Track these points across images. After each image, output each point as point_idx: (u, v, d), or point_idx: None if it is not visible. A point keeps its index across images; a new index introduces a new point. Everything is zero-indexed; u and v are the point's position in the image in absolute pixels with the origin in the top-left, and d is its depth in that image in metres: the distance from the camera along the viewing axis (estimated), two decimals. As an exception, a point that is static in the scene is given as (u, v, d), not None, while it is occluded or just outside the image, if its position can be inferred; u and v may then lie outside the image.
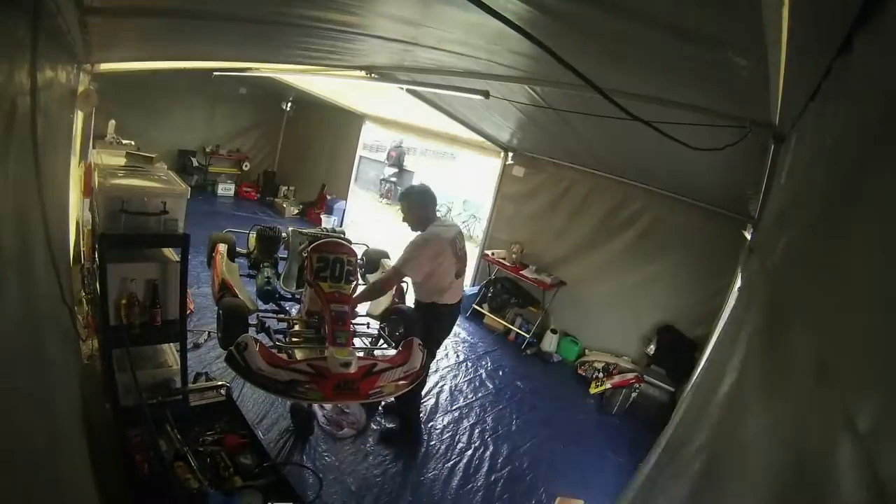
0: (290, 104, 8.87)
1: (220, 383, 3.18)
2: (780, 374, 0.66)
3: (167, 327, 2.69)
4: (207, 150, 8.84)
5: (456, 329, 5.61)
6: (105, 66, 3.47)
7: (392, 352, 2.72)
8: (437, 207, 3.21)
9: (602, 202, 5.28)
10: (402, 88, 4.36)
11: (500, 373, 4.88)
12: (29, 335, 1.17)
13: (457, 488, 3.19)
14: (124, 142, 5.43)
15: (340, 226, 7.90)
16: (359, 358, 2.40)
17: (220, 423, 2.89)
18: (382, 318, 3.12)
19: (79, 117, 3.23)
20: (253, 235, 3.56)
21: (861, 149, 0.61)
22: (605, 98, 1.31)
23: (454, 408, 4.09)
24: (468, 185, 11.77)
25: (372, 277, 3.55)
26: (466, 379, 4.61)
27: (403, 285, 3.28)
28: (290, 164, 9.66)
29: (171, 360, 3.04)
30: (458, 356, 5.03)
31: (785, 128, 1.76)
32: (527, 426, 4.06)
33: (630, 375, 4.62)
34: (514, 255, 5.78)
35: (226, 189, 9.12)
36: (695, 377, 2.42)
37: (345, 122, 8.42)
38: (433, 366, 4.34)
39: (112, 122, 5.71)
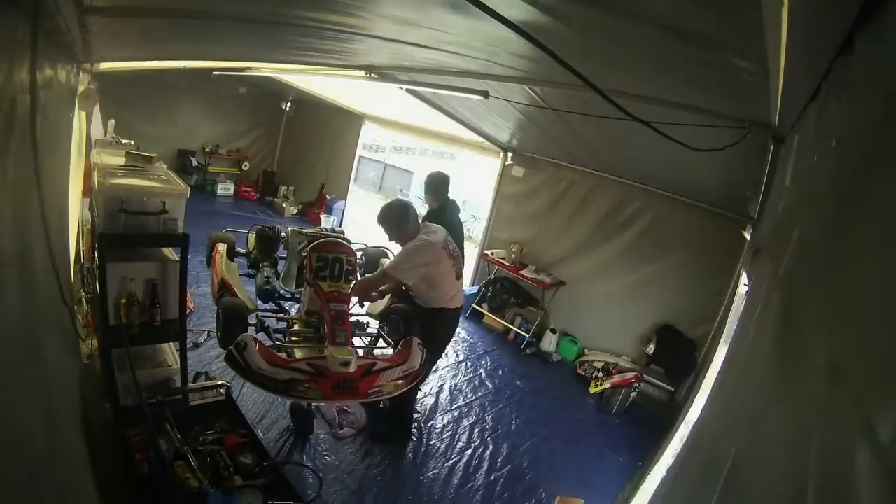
0: (289, 104, 8.87)
1: (219, 383, 3.17)
2: (795, 378, 0.66)
3: (167, 327, 2.69)
4: (207, 149, 8.84)
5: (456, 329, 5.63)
6: (105, 66, 3.47)
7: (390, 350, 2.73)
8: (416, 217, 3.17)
9: (602, 202, 5.28)
10: (401, 88, 4.36)
11: (500, 372, 4.88)
12: (28, 335, 1.17)
13: (457, 487, 3.19)
14: (124, 141, 5.43)
15: (340, 225, 7.91)
16: (358, 357, 2.41)
17: (219, 422, 2.89)
18: (382, 317, 3.12)
19: (81, 117, 3.22)
20: (252, 235, 3.56)
21: (864, 149, 0.61)
22: (604, 98, 1.31)
23: (454, 407, 4.09)
24: (468, 185, 11.76)
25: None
26: (466, 378, 4.61)
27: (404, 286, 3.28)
28: (290, 163, 9.65)
29: (170, 359, 3.03)
30: (457, 356, 5.03)
31: (785, 128, 1.76)
32: (526, 426, 4.06)
33: (629, 375, 4.62)
34: (513, 255, 5.78)
35: (225, 189, 9.11)
36: (712, 383, 2.41)
37: (344, 122, 8.42)
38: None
39: (112, 122, 5.70)
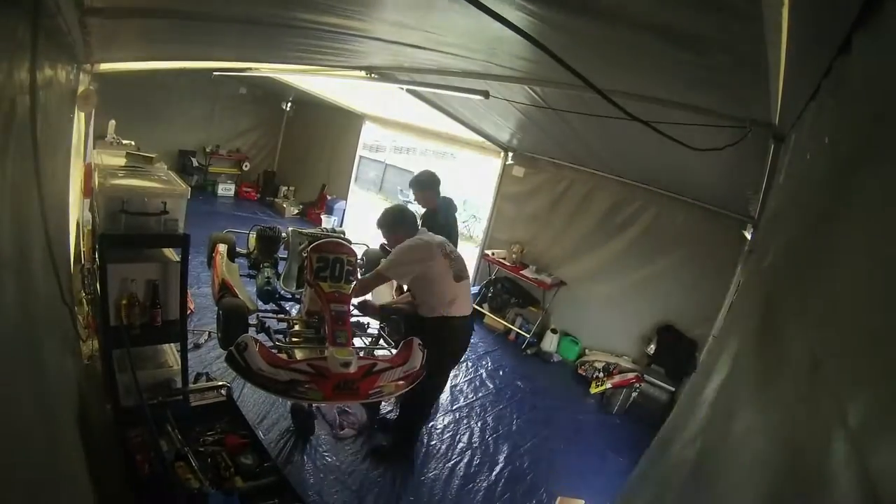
0: (289, 104, 8.87)
1: (220, 383, 3.17)
2: (773, 370, 0.67)
3: (167, 327, 2.69)
4: (207, 150, 8.84)
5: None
6: (105, 66, 3.46)
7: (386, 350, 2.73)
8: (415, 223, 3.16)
9: (602, 202, 5.28)
10: (401, 88, 4.36)
11: (501, 373, 4.88)
12: (28, 335, 1.17)
13: (457, 488, 3.19)
14: (124, 142, 5.44)
15: (340, 226, 7.91)
16: (359, 358, 2.41)
17: (220, 423, 2.89)
18: (382, 318, 3.12)
19: (80, 117, 3.23)
20: (253, 235, 3.56)
21: (858, 148, 0.61)
22: (604, 98, 1.31)
23: (454, 408, 4.09)
24: (468, 185, 11.77)
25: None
26: (467, 379, 4.61)
27: (404, 286, 3.28)
28: (290, 164, 9.66)
29: (171, 360, 3.04)
30: (458, 356, 5.03)
31: (785, 128, 1.76)
32: (527, 426, 4.06)
33: (630, 375, 4.62)
34: (514, 255, 5.78)
35: (226, 189, 9.12)
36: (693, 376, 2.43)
37: (345, 122, 8.42)
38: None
39: (112, 122, 5.72)
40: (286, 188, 9.31)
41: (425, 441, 3.58)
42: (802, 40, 1.00)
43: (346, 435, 3.40)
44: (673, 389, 4.55)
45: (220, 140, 9.01)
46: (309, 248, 2.76)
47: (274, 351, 2.40)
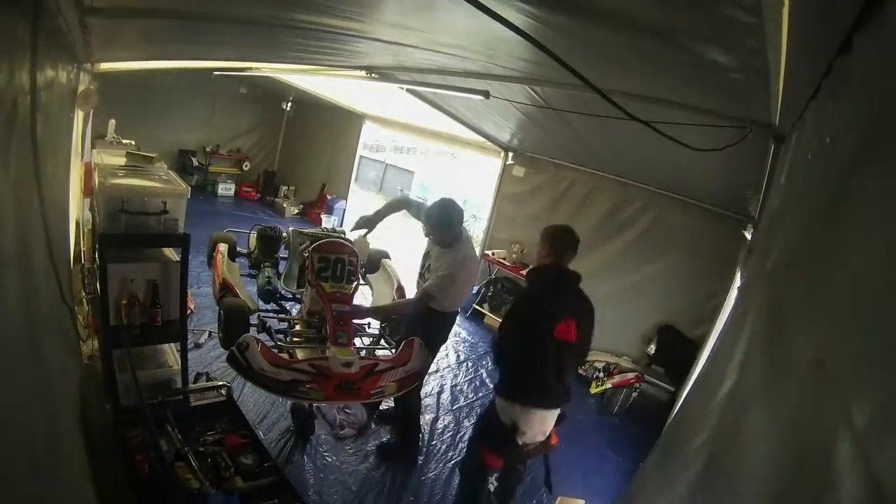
0: (290, 104, 8.87)
1: (220, 383, 3.18)
2: (779, 372, 0.66)
3: (167, 327, 2.69)
4: (207, 149, 8.84)
5: (456, 329, 5.61)
6: (105, 66, 3.47)
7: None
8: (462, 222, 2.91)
9: (602, 202, 5.27)
10: (402, 88, 4.36)
11: (501, 372, 4.87)
12: (28, 335, 1.17)
13: (458, 488, 3.19)
14: (124, 141, 5.44)
15: (341, 226, 7.91)
16: (360, 358, 2.41)
17: (220, 423, 2.89)
18: (383, 318, 3.13)
19: (80, 117, 3.23)
20: (253, 235, 3.56)
21: (859, 147, 0.61)
22: (604, 98, 1.31)
23: (455, 408, 4.09)
24: (468, 185, 11.77)
25: (372, 278, 3.56)
26: (467, 379, 4.60)
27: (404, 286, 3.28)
28: (291, 163, 9.66)
29: (171, 360, 3.04)
30: (458, 356, 5.03)
31: (785, 128, 1.76)
32: (527, 426, 4.05)
33: (630, 375, 4.61)
34: (514, 255, 5.78)
35: (226, 189, 9.11)
36: (695, 376, 2.42)
37: (345, 122, 8.42)
38: (433, 366, 4.34)
39: (112, 122, 5.71)
40: (286, 188, 9.31)
41: (426, 441, 3.58)
42: (802, 40, 1.00)
43: (347, 435, 3.40)
44: (673, 389, 4.54)
45: (220, 140, 9.01)
46: (311, 249, 2.76)
47: (275, 351, 2.41)
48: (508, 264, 5.78)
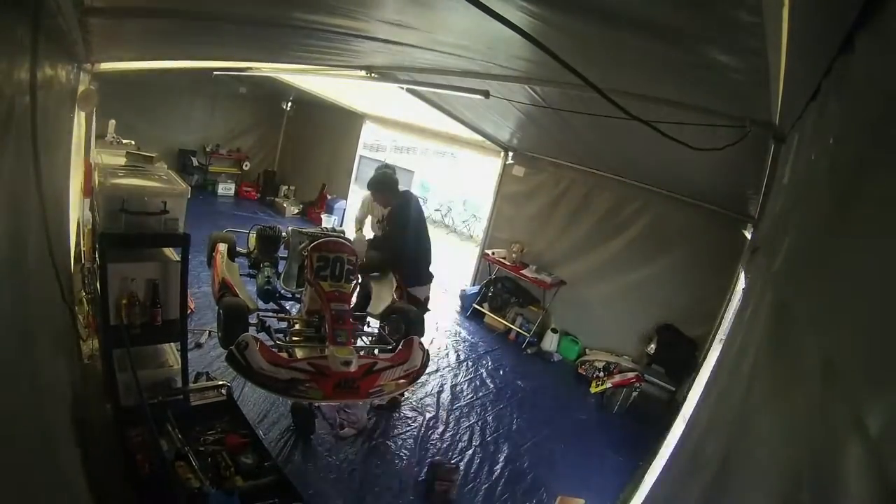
0: (290, 104, 8.87)
1: (220, 383, 3.18)
2: (788, 375, 0.66)
3: (168, 327, 2.70)
4: (207, 149, 8.84)
5: (456, 328, 5.64)
6: (105, 66, 3.47)
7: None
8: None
9: (602, 201, 5.28)
10: (402, 88, 4.36)
11: (501, 372, 4.88)
12: (28, 335, 1.17)
13: (457, 488, 3.19)
14: (124, 141, 5.43)
15: (340, 225, 7.91)
16: (359, 357, 2.41)
17: (220, 422, 2.89)
18: (382, 317, 3.12)
19: (81, 117, 3.23)
20: (253, 235, 3.56)
21: (860, 148, 0.61)
22: (604, 98, 1.31)
23: (455, 407, 4.09)
24: (468, 185, 11.77)
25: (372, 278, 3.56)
26: (467, 378, 4.61)
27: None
28: (291, 163, 9.66)
29: (171, 359, 3.04)
30: (458, 356, 5.03)
31: (785, 128, 1.76)
32: (527, 425, 4.06)
33: (630, 375, 4.62)
34: (514, 255, 5.78)
35: (226, 189, 9.12)
36: (705, 379, 2.41)
37: (345, 122, 8.42)
38: (433, 364, 4.35)
39: (112, 122, 5.71)
40: (286, 187, 9.32)
41: (426, 440, 3.58)
42: (802, 40, 0.99)
43: (347, 434, 3.40)
44: (673, 389, 4.55)
45: (220, 139, 9.01)
46: (309, 248, 2.76)
47: (274, 350, 2.40)
48: (508, 264, 5.78)
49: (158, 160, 3.28)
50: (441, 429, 3.76)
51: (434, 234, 4.05)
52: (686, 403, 3.35)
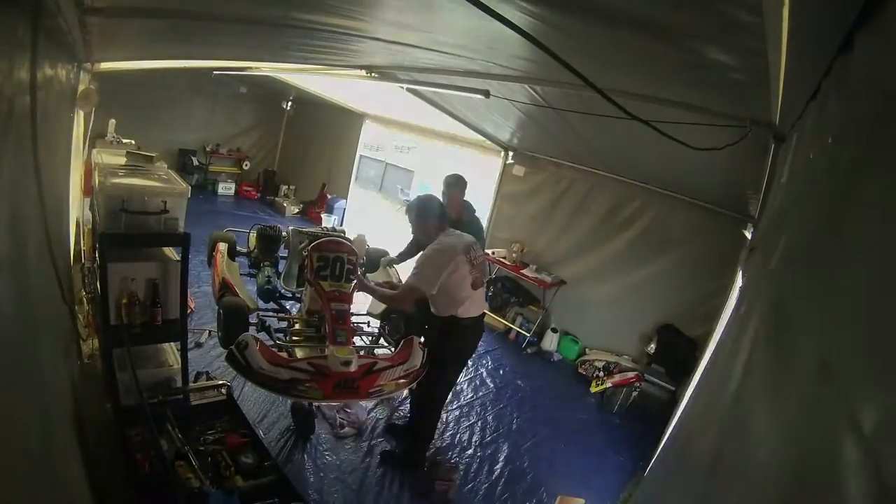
0: (290, 103, 8.87)
1: (220, 382, 3.18)
2: (783, 374, 0.66)
3: (168, 326, 2.69)
4: (208, 149, 8.84)
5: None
6: (105, 66, 3.47)
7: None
8: (444, 215, 2.94)
9: (602, 201, 5.28)
10: (402, 87, 4.36)
11: (501, 372, 4.88)
12: (27, 335, 1.17)
13: (458, 487, 3.19)
14: (124, 141, 5.44)
15: (341, 225, 7.91)
16: (359, 356, 2.41)
17: (220, 422, 2.89)
18: (382, 317, 3.13)
19: (80, 116, 3.23)
20: (253, 234, 3.56)
21: (858, 147, 0.61)
22: (604, 97, 1.31)
23: (455, 407, 4.09)
24: (468, 185, 11.72)
25: (372, 276, 3.56)
26: (467, 378, 4.60)
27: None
28: (291, 163, 9.66)
29: (171, 359, 3.04)
30: (458, 355, 5.02)
31: (785, 127, 1.76)
32: (527, 425, 4.06)
33: (630, 374, 4.61)
34: (514, 254, 5.78)
35: (226, 188, 9.11)
36: (698, 377, 2.41)
37: (345, 122, 8.42)
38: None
39: (112, 122, 5.72)
40: (286, 187, 9.31)
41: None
42: (802, 40, 0.99)
43: (347, 434, 3.40)
44: (673, 389, 4.55)
45: (220, 139, 9.01)
46: (309, 247, 2.76)
47: (274, 350, 2.41)
48: (508, 263, 5.77)
49: (158, 160, 3.28)
50: (441, 429, 3.76)
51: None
52: (680, 402, 3.35)
